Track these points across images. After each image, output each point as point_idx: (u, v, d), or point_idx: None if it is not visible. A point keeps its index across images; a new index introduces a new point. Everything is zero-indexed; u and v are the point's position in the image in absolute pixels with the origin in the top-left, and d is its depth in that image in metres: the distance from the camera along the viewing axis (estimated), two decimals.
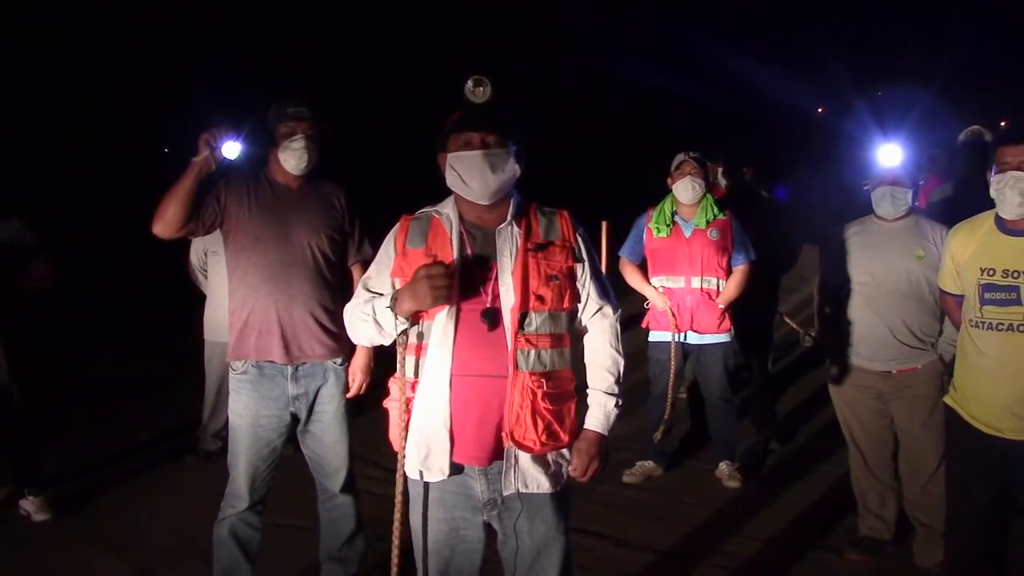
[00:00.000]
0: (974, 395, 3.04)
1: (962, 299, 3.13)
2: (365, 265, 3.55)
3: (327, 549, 3.57)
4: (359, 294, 2.54)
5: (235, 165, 3.34)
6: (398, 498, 2.50)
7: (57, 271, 4.55)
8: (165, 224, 3.20)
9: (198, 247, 5.19)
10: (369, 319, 2.43)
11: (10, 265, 4.36)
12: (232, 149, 3.24)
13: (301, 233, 3.35)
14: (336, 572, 3.55)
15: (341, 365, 3.44)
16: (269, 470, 3.40)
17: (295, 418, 3.41)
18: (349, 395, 3.48)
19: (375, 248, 2.66)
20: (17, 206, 4.55)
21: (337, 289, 3.46)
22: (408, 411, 2.46)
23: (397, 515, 2.52)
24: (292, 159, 3.31)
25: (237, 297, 3.38)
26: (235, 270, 3.39)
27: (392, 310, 2.36)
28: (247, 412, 3.34)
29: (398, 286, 2.45)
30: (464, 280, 2.39)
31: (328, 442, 3.46)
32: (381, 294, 2.46)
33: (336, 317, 3.38)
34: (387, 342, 2.45)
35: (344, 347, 3.43)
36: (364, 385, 3.49)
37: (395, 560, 2.56)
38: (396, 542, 2.54)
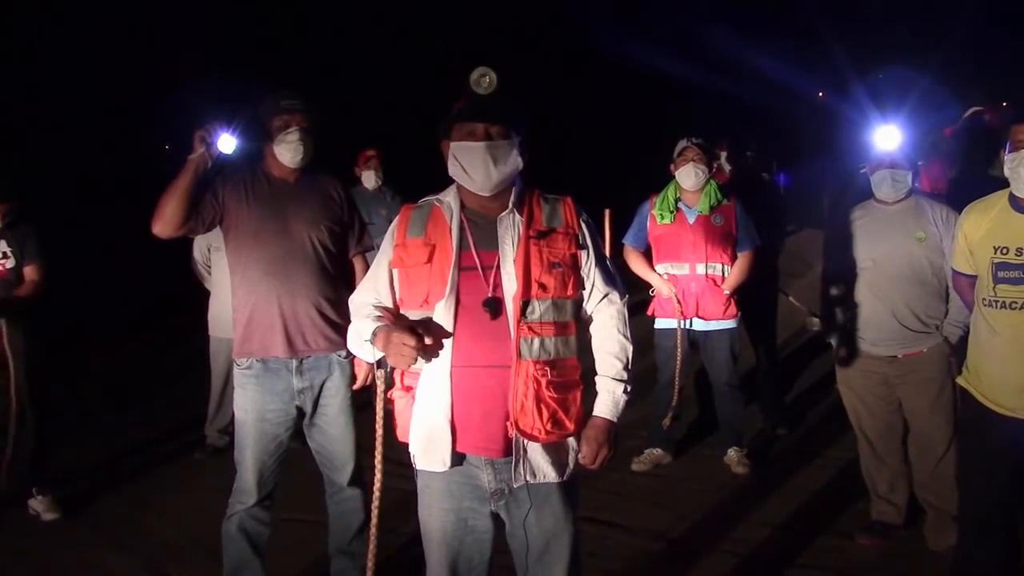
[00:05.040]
0: (987, 375, 3.02)
1: (974, 279, 3.11)
2: (366, 255, 3.53)
3: (336, 543, 3.56)
4: (363, 289, 2.54)
5: (232, 160, 3.32)
6: (375, 506, 2.49)
7: (50, 279, 4.51)
8: (164, 223, 3.19)
9: (201, 243, 5.18)
10: (355, 333, 2.45)
11: (22, 273, 4.40)
12: (227, 143, 3.22)
13: (300, 226, 3.33)
14: (346, 565, 3.55)
15: (346, 358, 3.43)
16: (276, 464, 3.39)
17: (301, 412, 3.40)
18: (355, 387, 3.47)
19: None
20: (30, 208, 4.57)
21: (340, 281, 3.45)
22: (392, 408, 2.47)
23: (373, 516, 2.50)
24: (287, 152, 3.30)
25: (239, 293, 3.37)
26: (236, 266, 3.37)
27: (371, 344, 2.35)
28: (252, 407, 3.33)
29: (396, 277, 2.46)
30: (464, 269, 2.38)
31: (334, 435, 3.45)
32: (377, 297, 2.48)
33: (340, 309, 3.36)
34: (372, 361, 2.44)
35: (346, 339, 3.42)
36: (370, 376, 3.47)
37: (370, 563, 2.54)
38: (372, 535, 2.52)
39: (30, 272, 4.44)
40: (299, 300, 3.31)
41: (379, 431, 2.44)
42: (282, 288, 3.30)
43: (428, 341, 2.25)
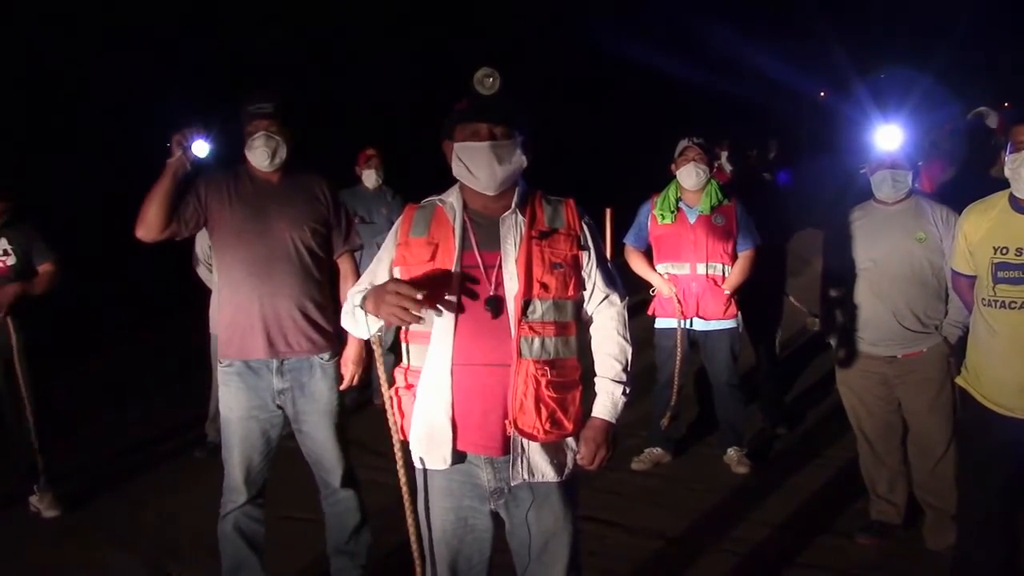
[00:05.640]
0: (986, 375, 3.03)
1: (974, 280, 3.12)
2: (353, 255, 3.52)
3: (334, 543, 3.56)
4: (359, 285, 2.54)
5: (208, 164, 3.32)
6: (404, 491, 2.50)
7: (62, 271, 4.57)
8: (147, 227, 3.22)
9: (203, 241, 5.16)
10: (349, 311, 2.45)
11: (23, 269, 4.42)
12: (201, 148, 3.23)
13: (282, 226, 3.31)
14: (345, 564, 3.55)
15: (329, 360, 3.39)
16: (264, 462, 3.39)
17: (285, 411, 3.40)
18: (342, 387, 3.44)
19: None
20: (29, 208, 4.59)
21: (325, 282, 3.43)
22: (398, 401, 2.47)
23: (407, 506, 2.52)
24: (256, 157, 3.29)
25: (223, 294, 3.38)
26: (221, 266, 3.38)
27: (362, 309, 2.36)
28: (237, 405, 3.33)
29: (399, 275, 2.45)
30: (466, 268, 2.39)
31: (320, 439, 3.42)
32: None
33: (325, 311, 3.36)
34: (366, 336, 2.45)
35: (333, 342, 3.40)
36: (357, 377, 3.46)
37: (415, 553, 2.55)
38: (412, 533, 2.53)
39: (46, 268, 4.50)
40: (281, 301, 3.29)
41: (389, 411, 2.45)
42: (263, 289, 3.28)
43: (420, 296, 2.21)
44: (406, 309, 2.21)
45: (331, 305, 3.43)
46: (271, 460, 3.42)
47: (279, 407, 3.37)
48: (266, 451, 3.39)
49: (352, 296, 2.47)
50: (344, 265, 3.53)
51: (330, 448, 3.43)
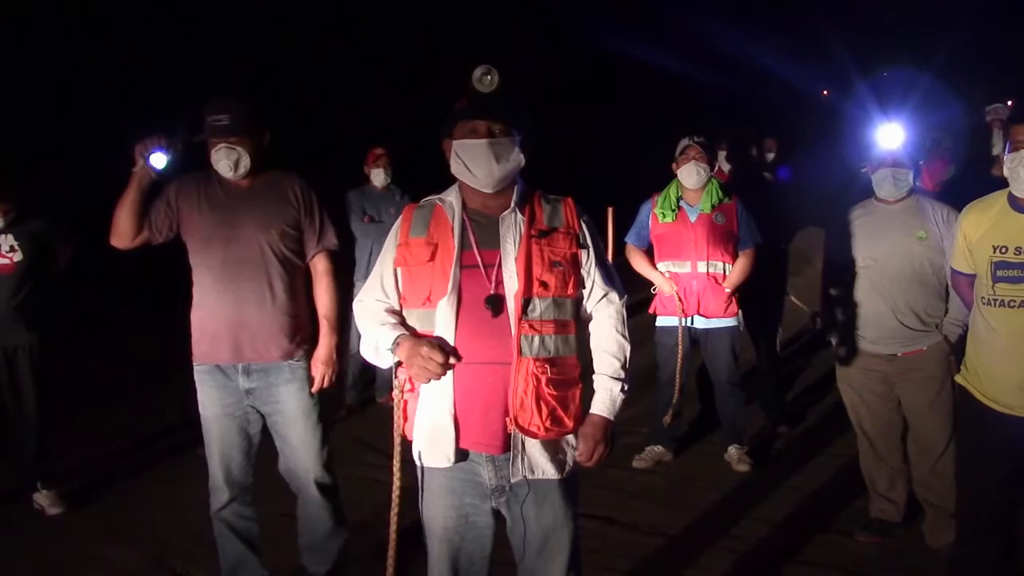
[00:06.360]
0: (986, 373, 3.04)
1: (973, 279, 3.12)
2: (330, 255, 3.46)
3: (306, 541, 3.55)
4: (370, 289, 2.54)
5: (175, 172, 3.30)
6: (395, 493, 2.52)
7: (77, 253, 4.71)
8: (119, 236, 3.25)
9: None
10: (371, 341, 2.48)
11: (30, 265, 4.48)
12: (159, 160, 3.21)
13: (251, 231, 3.28)
14: (313, 560, 3.54)
15: (298, 361, 3.36)
16: (246, 459, 3.39)
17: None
18: (314, 389, 3.39)
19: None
20: (38, 206, 4.65)
21: (298, 285, 3.40)
22: (404, 403, 2.49)
23: (394, 511, 2.54)
24: (220, 169, 3.27)
25: (195, 296, 3.38)
26: (194, 270, 3.38)
27: (392, 352, 2.41)
28: (211, 403, 3.35)
29: (400, 276, 2.48)
30: (466, 267, 2.40)
31: (294, 442, 3.39)
32: (385, 297, 2.50)
33: (296, 317, 3.35)
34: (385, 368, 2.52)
35: (303, 345, 3.38)
36: (327, 378, 3.40)
37: (391, 555, 2.57)
38: (392, 535, 2.55)
39: (62, 250, 4.64)
40: (248, 307, 3.27)
41: (396, 439, 2.47)
42: (231, 295, 3.27)
43: (452, 361, 2.35)
44: (433, 371, 2.33)
45: (304, 309, 3.40)
46: (255, 458, 3.41)
47: (252, 406, 3.36)
48: (247, 448, 3.38)
49: (373, 324, 2.48)
50: (319, 264, 3.44)
51: (303, 452, 3.40)
